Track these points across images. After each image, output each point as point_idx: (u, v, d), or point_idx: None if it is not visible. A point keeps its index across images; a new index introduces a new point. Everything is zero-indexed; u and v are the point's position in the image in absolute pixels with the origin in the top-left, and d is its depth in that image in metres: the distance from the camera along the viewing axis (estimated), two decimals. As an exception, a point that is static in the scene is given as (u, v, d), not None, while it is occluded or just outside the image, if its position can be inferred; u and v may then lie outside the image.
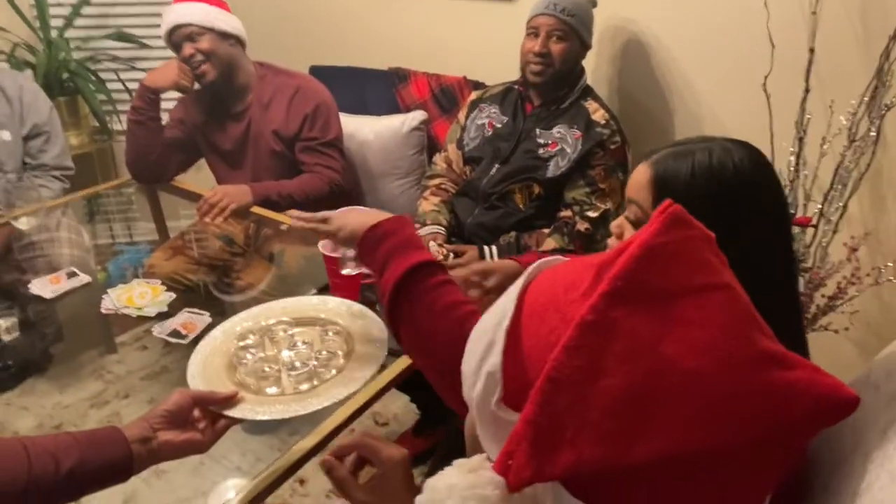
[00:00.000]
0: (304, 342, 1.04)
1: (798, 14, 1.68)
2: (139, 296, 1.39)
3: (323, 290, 1.45)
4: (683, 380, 0.44)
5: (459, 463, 0.52)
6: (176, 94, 2.12)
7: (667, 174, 0.86)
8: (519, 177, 1.85)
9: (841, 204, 1.68)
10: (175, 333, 1.27)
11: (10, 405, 1.94)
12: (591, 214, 1.80)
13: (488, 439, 0.54)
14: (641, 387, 0.44)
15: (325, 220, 1.04)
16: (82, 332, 1.69)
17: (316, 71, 2.47)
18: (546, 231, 1.82)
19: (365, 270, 1.44)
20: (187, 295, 1.62)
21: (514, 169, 1.86)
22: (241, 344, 1.02)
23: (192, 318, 1.31)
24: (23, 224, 1.63)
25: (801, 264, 1.72)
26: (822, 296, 1.70)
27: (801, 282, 1.73)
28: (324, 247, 1.35)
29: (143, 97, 1.96)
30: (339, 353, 1.03)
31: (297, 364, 0.99)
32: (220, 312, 1.54)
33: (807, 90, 1.67)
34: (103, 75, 2.90)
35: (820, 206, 1.70)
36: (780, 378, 0.45)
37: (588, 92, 1.89)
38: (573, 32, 1.81)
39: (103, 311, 1.37)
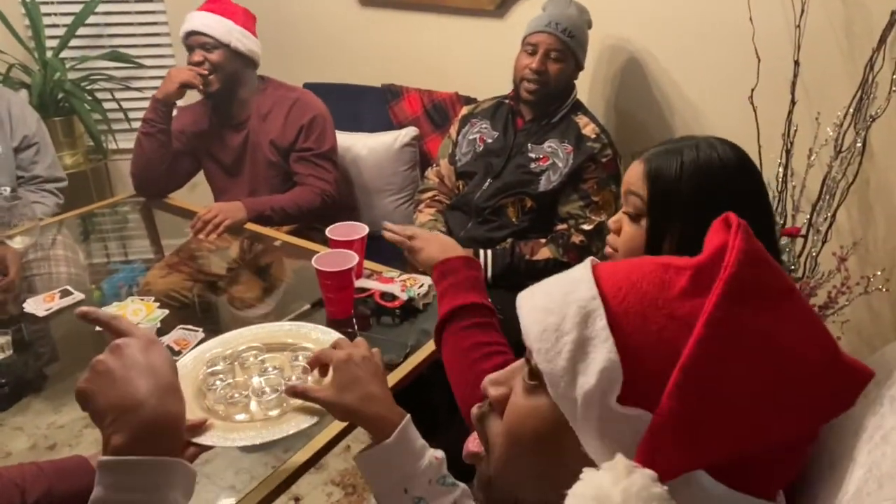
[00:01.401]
0: (274, 367, 1.03)
1: (783, 28, 1.71)
2: (133, 312, 1.39)
3: (316, 305, 1.46)
4: (806, 369, 0.50)
5: (603, 468, 0.51)
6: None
7: (659, 169, 0.95)
8: (511, 191, 1.87)
9: (829, 214, 1.70)
10: (167, 350, 1.28)
11: (4, 425, 1.92)
12: (586, 227, 1.81)
13: (597, 437, 0.54)
14: (768, 377, 0.50)
15: (412, 237, 1.21)
16: (77, 351, 1.69)
17: (310, 87, 2.49)
18: (542, 241, 1.83)
19: (369, 285, 1.46)
20: (182, 311, 1.62)
21: (506, 183, 1.88)
22: (210, 370, 1.01)
23: (185, 335, 1.32)
24: (17, 243, 1.63)
25: (792, 274, 1.73)
26: (813, 305, 1.71)
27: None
28: (317, 262, 1.36)
29: (155, 110, 2.01)
30: (310, 378, 1.01)
31: (267, 389, 0.98)
32: (214, 329, 1.54)
33: (793, 102, 1.70)
34: (98, 95, 2.92)
35: (809, 217, 1.72)
36: (846, 359, 0.53)
37: (578, 107, 1.91)
38: (570, 53, 1.83)
39: (97, 328, 1.37)
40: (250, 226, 1.88)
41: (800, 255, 1.73)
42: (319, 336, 1.09)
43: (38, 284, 1.60)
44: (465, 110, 2.09)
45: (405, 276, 1.52)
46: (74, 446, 1.68)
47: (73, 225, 2.03)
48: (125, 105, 2.98)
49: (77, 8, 2.80)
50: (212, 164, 2.16)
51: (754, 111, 1.73)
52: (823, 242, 1.71)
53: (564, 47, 1.81)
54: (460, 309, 1.03)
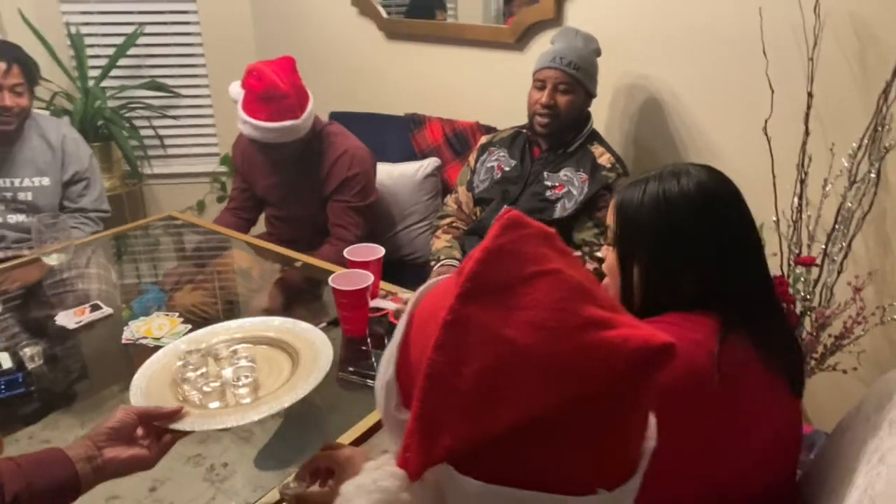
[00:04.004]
0: (247, 358, 1.08)
1: (796, 60, 1.74)
2: (158, 327, 1.45)
3: (332, 323, 1.50)
4: (523, 355, 0.51)
5: (367, 465, 0.61)
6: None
7: (623, 200, 0.99)
8: None
9: (844, 244, 1.70)
10: (189, 362, 1.33)
11: (33, 438, 1.99)
12: (601, 254, 1.83)
13: (394, 442, 0.61)
14: (492, 368, 0.52)
15: None
16: (105, 367, 1.75)
17: (335, 116, 2.58)
18: None
19: (383, 305, 1.50)
20: (205, 326, 1.68)
21: (521, 210, 1.90)
22: (183, 362, 1.05)
23: (205, 348, 1.37)
24: (52, 260, 1.71)
25: (807, 304, 1.72)
26: (829, 335, 1.70)
27: (808, 321, 1.73)
28: (333, 281, 1.41)
29: None
30: (284, 367, 1.07)
31: (241, 378, 1.03)
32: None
33: (807, 133, 1.71)
34: (136, 122, 3.05)
35: (824, 247, 1.72)
36: (600, 338, 0.52)
37: (594, 136, 1.95)
38: (578, 85, 1.87)
39: (123, 341, 1.44)
40: (271, 246, 1.95)
41: (815, 285, 1.73)
42: (290, 327, 1.18)
43: (70, 300, 1.67)
44: (483, 139, 2.14)
45: (419, 298, 1.55)
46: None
47: (107, 245, 2.11)
48: (161, 132, 3.11)
49: (119, 40, 2.96)
50: (264, 196, 2.27)
51: (768, 142, 1.75)
52: (839, 272, 1.71)
53: (571, 80, 1.85)
54: None
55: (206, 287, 1.92)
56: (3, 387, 1.32)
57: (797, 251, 1.74)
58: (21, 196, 2.14)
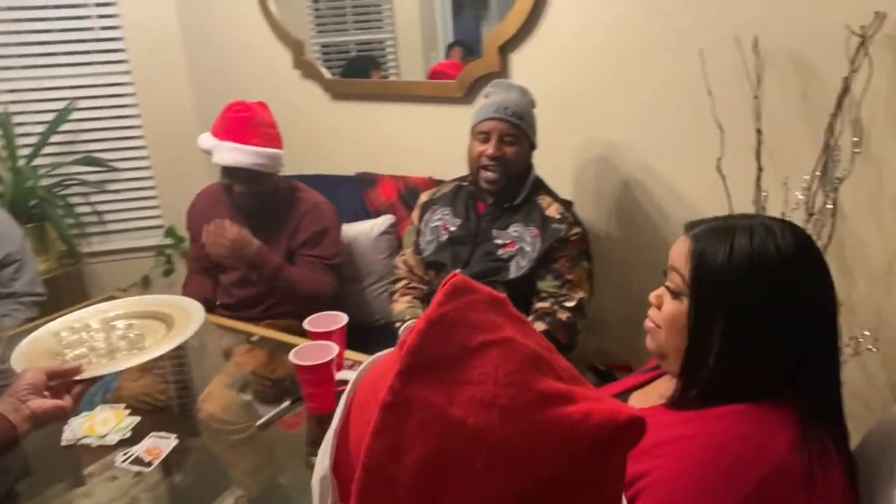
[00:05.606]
0: (125, 323, 1.27)
1: (741, 98, 1.76)
2: (101, 422, 1.32)
3: (298, 401, 1.40)
4: (471, 437, 0.45)
5: None
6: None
7: (706, 251, 0.88)
8: (481, 281, 1.81)
9: (809, 276, 1.69)
10: (138, 461, 1.20)
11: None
12: (569, 304, 1.78)
13: None
14: (436, 453, 0.45)
15: None
16: (48, 465, 1.60)
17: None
18: (529, 318, 1.79)
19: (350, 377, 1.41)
20: (155, 416, 1.55)
21: (474, 273, 1.83)
22: (63, 334, 1.22)
23: (157, 443, 1.25)
24: (-18, 355, 1.57)
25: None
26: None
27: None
28: (295, 356, 1.31)
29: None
30: (160, 328, 1.27)
31: (121, 339, 1.21)
32: (192, 433, 1.47)
33: (759, 169, 1.73)
34: (72, 199, 2.92)
35: (789, 280, 1.71)
36: (558, 414, 0.46)
37: (539, 186, 1.91)
38: (524, 135, 1.83)
39: (64, 443, 1.30)
40: (224, 321, 1.84)
41: (785, 319, 1.71)
42: (166, 301, 1.42)
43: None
44: (424, 197, 2.06)
45: (387, 366, 1.47)
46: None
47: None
48: (100, 208, 2.98)
49: (51, 116, 2.84)
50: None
51: (723, 179, 1.76)
52: (807, 305, 1.70)
53: (517, 130, 1.81)
54: None
55: (155, 372, 1.79)
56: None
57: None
58: (-53, 284, 1.99)
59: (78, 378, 1.06)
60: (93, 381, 1.08)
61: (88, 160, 2.91)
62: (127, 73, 2.92)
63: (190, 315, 1.34)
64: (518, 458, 0.44)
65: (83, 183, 2.95)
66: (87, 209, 2.96)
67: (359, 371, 0.57)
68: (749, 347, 0.86)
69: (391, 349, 0.57)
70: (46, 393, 1.02)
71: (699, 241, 0.89)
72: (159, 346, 1.20)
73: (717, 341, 0.87)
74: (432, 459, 0.44)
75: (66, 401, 1.03)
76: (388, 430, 0.45)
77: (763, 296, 0.84)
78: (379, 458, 0.45)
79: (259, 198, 2.02)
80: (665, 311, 0.93)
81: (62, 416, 1.03)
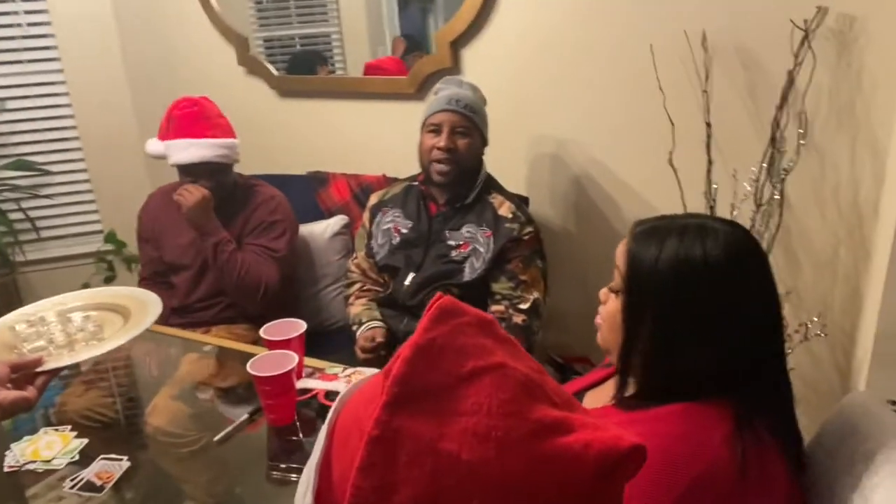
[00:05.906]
0: (82, 315, 1.24)
1: (690, 93, 1.79)
2: (46, 446, 1.24)
3: (256, 413, 1.36)
4: (466, 473, 0.43)
5: None
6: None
7: (639, 252, 0.89)
8: (435, 284, 1.80)
9: (759, 266, 1.74)
10: (88, 485, 1.14)
11: None
12: (523, 306, 1.77)
13: None
14: (429, 492, 0.43)
15: None
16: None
17: (232, 182, 2.43)
18: None
19: (311, 385, 1.38)
20: (104, 434, 1.48)
21: (428, 277, 1.81)
22: (18, 327, 1.19)
23: (107, 466, 1.18)
24: None
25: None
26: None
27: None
28: (252, 367, 1.27)
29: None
30: (117, 319, 1.25)
31: (79, 331, 1.18)
32: (141, 449, 1.41)
33: (709, 161, 1.76)
34: (3, 206, 2.76)
35: (740, 270, 1.75)
36: (557, 445, 0.45)
37: (490, 184, 1.89)
38: (475, 128, 1.82)
39: (6, 469, 1.22)
40: (176, 332, 1.76)
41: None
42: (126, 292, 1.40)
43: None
44: (374, 198, 2.02)
45: (350, 371, 1.44)
46: None
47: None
48: (33, 214, 2.83)
49: (-23, 120, 2.68)
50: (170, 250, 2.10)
51: (675, 173, 1.78)
52: (758, 294, 1.74)
53: (469, 122, 1.79)
54: None
55: (101, 385, 1.71)
56: None
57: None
58: None
59: (40, 370, 1.06)
60: (56, 371, 1.08)
61: (20, 164, 2.76)
62: (58, 70, 2.77)
63: (146, 307, 1.32)
64: (517, 495, 0.42)
65: (14, 188, 2.79)
66: (19, 216, 2.80)
67: (339, 398, 0.54)
68: (675, 347, 0.87)
69: (371, 375, 0.54)
70: (9, 385, 1.03)
71: (636, 242, 0.90)
72: (118, 336, 1.19)
73: (646, 340, 0.88)
74: (424, 498, 0.42)
75: (29, 392, 1.04)
76: (376, 466, 0.42)
77: (686, 297, 0.85)
78: (367, 498, 0.42)
79: (221, 191, 1.99)
80: (607, 307, 0.95)
81: (27, 406, 1.03)
